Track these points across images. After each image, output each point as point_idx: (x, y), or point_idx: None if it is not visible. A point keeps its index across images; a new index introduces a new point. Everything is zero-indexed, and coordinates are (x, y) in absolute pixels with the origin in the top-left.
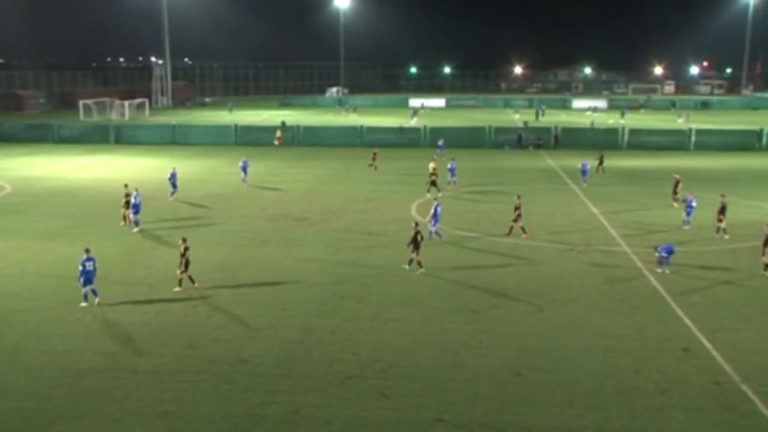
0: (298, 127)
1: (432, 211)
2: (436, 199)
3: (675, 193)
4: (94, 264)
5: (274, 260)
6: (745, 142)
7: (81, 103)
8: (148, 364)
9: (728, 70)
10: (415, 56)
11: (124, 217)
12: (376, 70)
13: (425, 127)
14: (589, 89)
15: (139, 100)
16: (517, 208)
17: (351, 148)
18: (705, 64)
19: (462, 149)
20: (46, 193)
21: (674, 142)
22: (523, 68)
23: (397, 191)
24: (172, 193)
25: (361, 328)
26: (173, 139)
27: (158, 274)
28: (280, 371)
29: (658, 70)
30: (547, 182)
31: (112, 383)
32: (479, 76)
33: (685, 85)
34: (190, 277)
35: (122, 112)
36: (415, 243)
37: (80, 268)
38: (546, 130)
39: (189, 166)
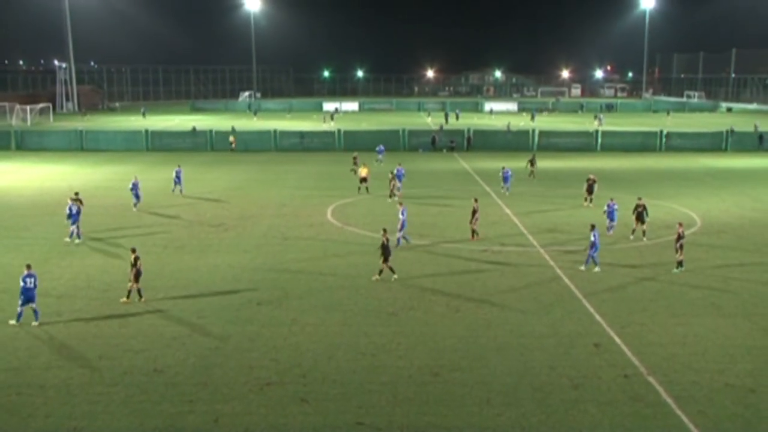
0: (210, 132)
1: (400, 217)
2: (400, 204)
3: (589, 193)
4: (34, 281)
5: (189, 267)
6: (647, 143)
7: None
8: (56, 378)
9: (630, 74)
10: (327, 60)
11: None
12: (289, 74)
13: (339, 131)
14: (500, 92)
15: (42, 105)
16: (474, 211)
17: (265, 153)
18: (608, 68)
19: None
20: None
21: (582, 144)
22: (436, 71)
23: (313, 196)
24: (135, 204)
25: (279, 333)
26: (81, 145)
27: (66, 285)
28: (197, 380)
29: (565, 74)
30: (461, 184)
31: (17, 400)
32: (392, 79)
33: (590, 88)
34: (138, 290)
35: (24, 117)
36: (385, 250)
37: (21, 284)
38: (459, 132)
39: (98, 173)
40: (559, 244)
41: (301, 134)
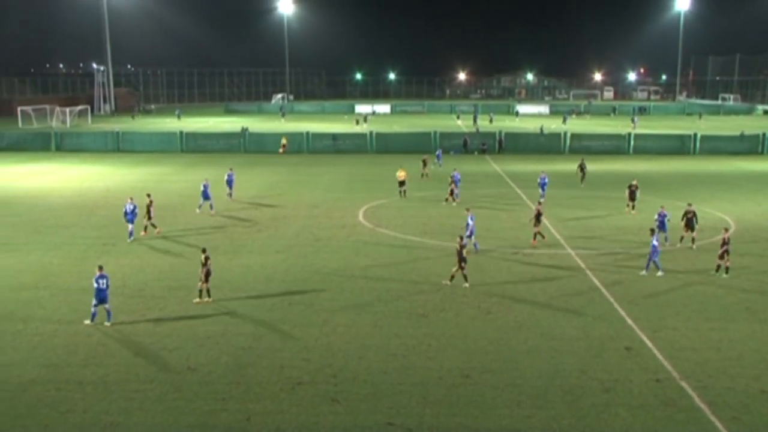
0: (245, 133)
1: (469, 222)
2: (468, 210)
3: (632, 200)
4: (107, 282)
5: (222, 267)
6: (681, 147)
7: (19, 110)
8: (93, 374)
9: (663, 77)
10: (360, 62)
11: (146, 228)
12: (321, 77)
13: (371, 133)
14: (532, 95)
15: (80, 107)
16: (538, 214)
17: (296, 155)
18: (641, 70)
19: (408, 155)
20: None
21: (614, 146)
22: (467, 74)
23: (344, 197)
24: (200, 206)
25: (310, 334)
26: (117, 147)
27: None
28: (229, 379)
29: (598, 77)
30: (493, 187)
31: (56, 395)
32: (424, 82)
33: (623, 91)
34: (207, 290)
35: (63, 119)
36: (461, 257)
37: (94, 285)
38: (491, 135)
39: (134, 174)
40: (590, 247)
41: (334, 136)
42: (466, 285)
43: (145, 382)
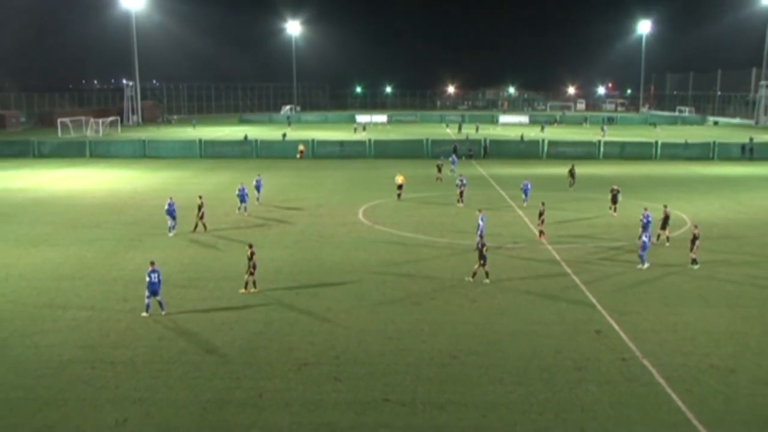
0: (256, 141)
1: (480, 223)
2: (480, 211)
3: (614, 203)
4: (158, 276)
5: (237, 261)
6: (644, 152)
7: (59, 121)
8: (123, 355)
9: (628, 91)
10: (360, 77)
11: (196, 225)
12: (325, 90)
13: (370, 140)
14: (514, 106)
15: (111, 118)
16: (541, 213)
17: (304, 160)
18: (610, 85)
19: (403, 160)
20: (28, 203)
21: (586, 152)
22: (456, 87)
23: (346, 198)
24: (239, 207)
25: (315, 320)
26: (144, 153)
27: (132, 274)
28: (243, 360)
29: (572, 90)
30: (479, 188)
31: (92, 373)
32: (417, 94)
33: (594, 103)
34: (253, 282)
35: (97, 129)
36: (482, 255)
37: (146, 279)
38: (477, 142)
39: (158, 177)
40: (566, 242)
41: (341, 143)
42: (487, 281)
43: (169, 362)
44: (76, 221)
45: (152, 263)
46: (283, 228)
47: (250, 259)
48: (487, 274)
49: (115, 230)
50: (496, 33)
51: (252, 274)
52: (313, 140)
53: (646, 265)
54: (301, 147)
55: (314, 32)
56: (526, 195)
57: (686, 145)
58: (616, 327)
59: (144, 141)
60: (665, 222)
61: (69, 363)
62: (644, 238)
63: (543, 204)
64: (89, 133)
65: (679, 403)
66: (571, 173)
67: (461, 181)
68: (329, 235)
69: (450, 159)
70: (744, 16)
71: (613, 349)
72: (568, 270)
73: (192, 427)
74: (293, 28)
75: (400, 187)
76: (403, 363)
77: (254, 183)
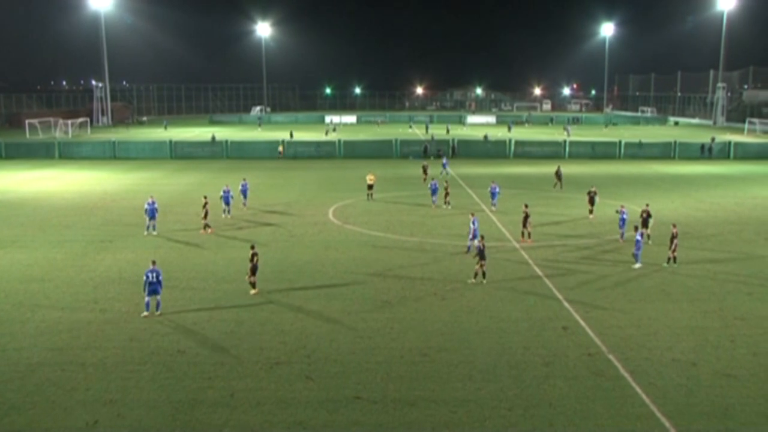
0: (226, 142)
1: (471, 226)
2: (472, 215)
3: (591, 204)
4: (157, 276)
5: (208, 261)
6: (608, 152)
7: (27, 122)
8: (94, 357)
9: (593, 92)
10: (329, 78)
11: (205, 227)
12: (295, 91)
13: (339, 141)
14: (481, 107)
15: (81, 120)
16: (527, 216)
17: (273, 160)
18: (575, 86)
19: (372, 160)
20: None
21: (552, 152)
22: (424, 88)
23: (316, 198)
24: (225, 211)
25: (286, 319)
26: (114, 154)
27: (101, 276)
28: (215, 359)
29: (538, 91)
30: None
31: (61, 375)
32: (386, 95)
33: (559, 104)
34: (253, 283)
35: (66, 130)
36: (481, 254)
37: (144, 278)
38: (445, 142)
39: (128, 178)
40: (534, 240)
41: (318, 144)
42: (484, 281)
43: (140, 363)
44: (45, 223)
45: (153, 262)
46: (254, 228)
47: (251, 261)
48: (484, 275)
49: (85, 231)
50: (463, 35)
51: (253, 275)
52: (283, 140)
53: (638, 265)
54: (280, 148)
55: (284, 34)
56: (494, 198)
57: (640, 145)
58: (583, 323)
59: (114, 142)
60: (646, 220)
61: (38, 366)
62: (637, 237)
63: (526, 206)
64: (58, 134)
65: (643, 396)
66: (558, 175)
67: (433, 185)
68: (300, 235)
69: (443, 162)
70: (702, 21)
71: (579, 344)
72: (536, 268)
73: (164, 428)
74: (263, 29)
75: (370, 187)
76: (374, 361)
77: (240, 188)
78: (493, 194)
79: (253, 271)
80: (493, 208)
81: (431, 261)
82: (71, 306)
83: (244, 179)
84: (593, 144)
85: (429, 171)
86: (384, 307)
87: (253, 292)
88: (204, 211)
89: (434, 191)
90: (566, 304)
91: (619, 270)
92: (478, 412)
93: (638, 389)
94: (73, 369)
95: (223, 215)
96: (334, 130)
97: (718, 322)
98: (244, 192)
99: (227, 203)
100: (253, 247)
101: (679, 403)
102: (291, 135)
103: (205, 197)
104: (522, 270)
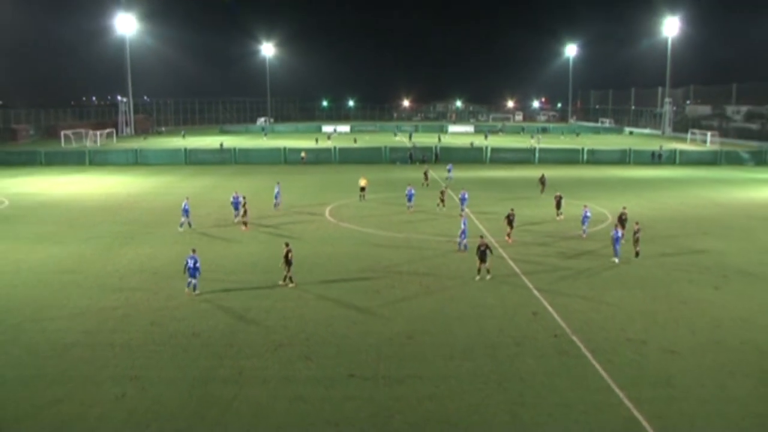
0: (234, 149)
1: (461, 226)
2: (461, 215)
3: (558, 208)
4: (195, 262)
5: (218, 255)
6: (573, 158)
7: (62, 133)
8: (120, 339)
9: (559, 105)
10: (326, 92)
11: (245, 223)
12: (295, 103)
13: (335, 148)
14: (461, 117)
15: (108, 130)
16: (511, 218)
17: (276, 165)
18: (543, 99)
19: (364, 165)
20: (35, 205)
21: (524, 157)
22: (410, 101)
23: (314, 199)
24: (236, 215)
25: (288, 306)
26: (136, 161)
27: (126, 268)
28: (225, 342)
29: (511, 104)
30: (431, 189)
31: (93, 354)
32: (376, 107)
33: (530, 115)
34: (290, 277)
35: (95, 140)
36: (482, 254)
37: (185, 263)
38: (429, 149)
39: (149, 182)
40: (506, 235)
41: (304, 150)
42: (489, 277)
43: (160, 344)
44: (76, 221)
45: (193, 250)
46: (259, 225)
47: (286, 256)
48: (488, 271)
49: (111, 229)
50: (445, 53)
51: (288, 270)
52: (284, 148)
53: (616, 260)
54: (303, 154)
55: (286, 53)
56: (462, 203)
57: (592, 152)
58: (550, 309)
59: (136, 150)
60: (623, 221)
61: (72, 346)
62: (617, 233)
63: (512, 210)
64: (88, 143)
65: (602, 371)
66: (542, 181)
67: (409, 192)
68: (299, 232)
69: (447, 167)
70: (652, 44)
71: (547, 327)
72: (510, 262)
73: (181, 401)
74: (267, 49)
75: (363, 189)
76: (366, 343)
77: (275, 191)
78: (462, 200)
79: (289, 265)
80: (461, 213)
81: (417, 257)
82: (99, 294)
83: (278, 182)
84: (554, 150)
85: (429, 175)
86: (375, 296)
87: (290, 285)
88: (243, 209)
89: (410, 197)
90: (536, 293)
91: (583, 262)
92: (458, 386)
93: (597, 365)
94: (102, 349)
95: (235, 220)
96: (329, 138)
97: (664, 306)
98: (276, 194)
99: (236, 208)
100: (287, 245)
101: (631, 376)
102: (316, 141)
103: (244, 197)
104: (498, 263)
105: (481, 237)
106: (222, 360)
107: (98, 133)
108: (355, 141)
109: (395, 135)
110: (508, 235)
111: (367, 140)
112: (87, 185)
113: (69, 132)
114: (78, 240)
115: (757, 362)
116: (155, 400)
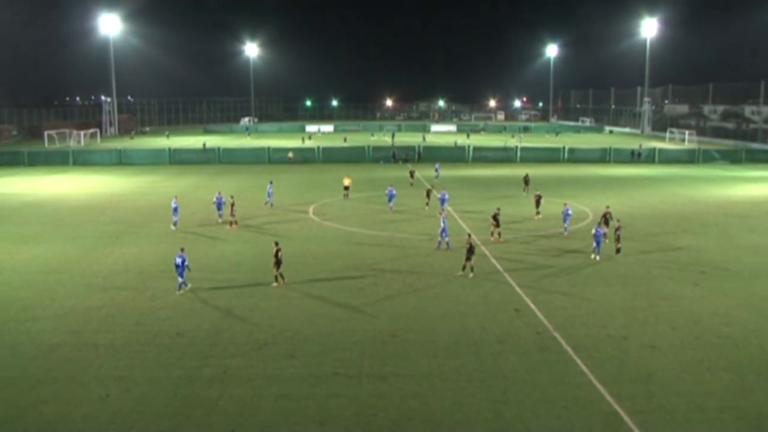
0: (218, 149)
1: (441, 224)
2: (440, 213)
3: (537, 206)
4: (183, 260)
5: (203, 254)
6: (553, 156)
7: (46, 133)
8: (104, 339)
9: (540, 104)
10: (309, 91)
11: (231, 223)
12: (279, 103)
13: (318, 147)
14: (443, 117)
15: (92, 130)
16: (497, 219)
17: (260, 165)
18: (525, 99)
19: (348, 163)
20: (19, 205)
21: (506, 156)
22: (393, 101)
23: (298, 198)
24: (220, 216)
25: (272, 305)
26: (120, 161)
27: (111, 267)
28: (210, 341)
29: (492, 103)
30: (414, 188)
31: (78, 354)
32: (359, 107)
33: (511, 114)
34: (281, 275)
35: (79, 140)
36: (469, 251)
37: (174, 262)
38: (412, 148)
39: (133, 181)
40: (488, 234)
41: (294, 150)
42: (471, 275)
43: (144, 344)
44: (61, 221)
45: (181, 249)
46: (243, 225)
47: (275, 255)
48: (472, 269)
49: (96, 229)
50: (427, 52)
51: (278, 269)
52: (269, 148)
53: (597, 257)
54: (290, 154)
55: (269, 53)
56: (443, 204)
57: (573, 151)
58: (532, 306)
59: (120, 150)
60: (607, 220)
61: (57, 346)
62: (600, 230)
63: (498, 209)
64: (72, 143)
65: (583, 367)
66: (525, 181)
67: (390, 192)
68: (284, 230)
69: (435, 167)
70: (631, 45)
71: (529, 324)
72: (493, 259)
73: (166, 400)
74: (251, 49)
75: (346, 188)
76: (350, 341)
77: (267, 190)
78: (442, 201)
79: (278, 264)
80: (441, 213)
81: (400, 253)
82: (84, 294)
83: (271, 182)
84: (536, 149)
85: (415, 175)
86: (359, 294)
87: (280, 283)
88: (231, 208)
89: (391, 197)
90: (518, 290)
91: (564, 260)
92: (441, 384)
93: (579, 361)
94: (87, 349)
95: (219, 220)
96: (309, 138)
97: (645, 302)
98: (269, 194)
99: (219, 208)
100: (277, 244)
101: (612, 371)
102: (303, 141)
103: (232, 196)
104: (480, 261)
105: (470, 235)
106: (207, 359)
107: (82, 133)
108: (345, 140)
109: (372, 135)
110: (498, 234)
111: (351, 140)
112: (71, 185)
113: (53, 132)
114: (63, 240)
115: (734, 357)
116: (140, 400)
